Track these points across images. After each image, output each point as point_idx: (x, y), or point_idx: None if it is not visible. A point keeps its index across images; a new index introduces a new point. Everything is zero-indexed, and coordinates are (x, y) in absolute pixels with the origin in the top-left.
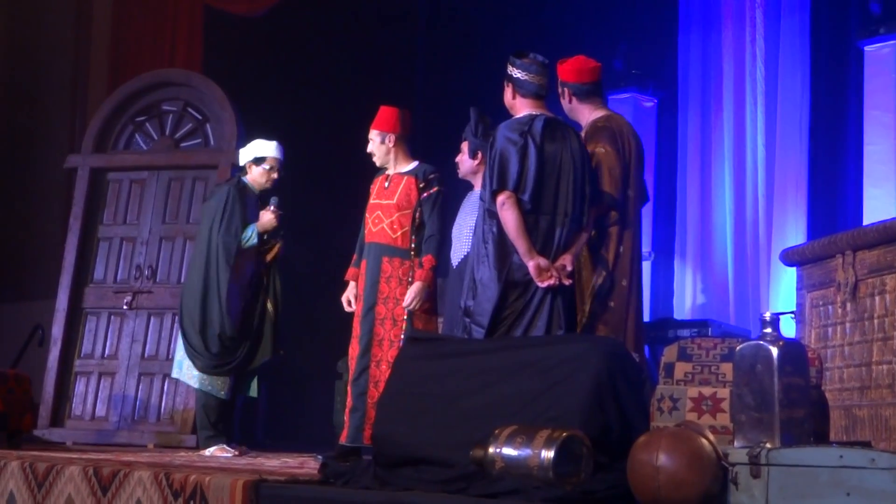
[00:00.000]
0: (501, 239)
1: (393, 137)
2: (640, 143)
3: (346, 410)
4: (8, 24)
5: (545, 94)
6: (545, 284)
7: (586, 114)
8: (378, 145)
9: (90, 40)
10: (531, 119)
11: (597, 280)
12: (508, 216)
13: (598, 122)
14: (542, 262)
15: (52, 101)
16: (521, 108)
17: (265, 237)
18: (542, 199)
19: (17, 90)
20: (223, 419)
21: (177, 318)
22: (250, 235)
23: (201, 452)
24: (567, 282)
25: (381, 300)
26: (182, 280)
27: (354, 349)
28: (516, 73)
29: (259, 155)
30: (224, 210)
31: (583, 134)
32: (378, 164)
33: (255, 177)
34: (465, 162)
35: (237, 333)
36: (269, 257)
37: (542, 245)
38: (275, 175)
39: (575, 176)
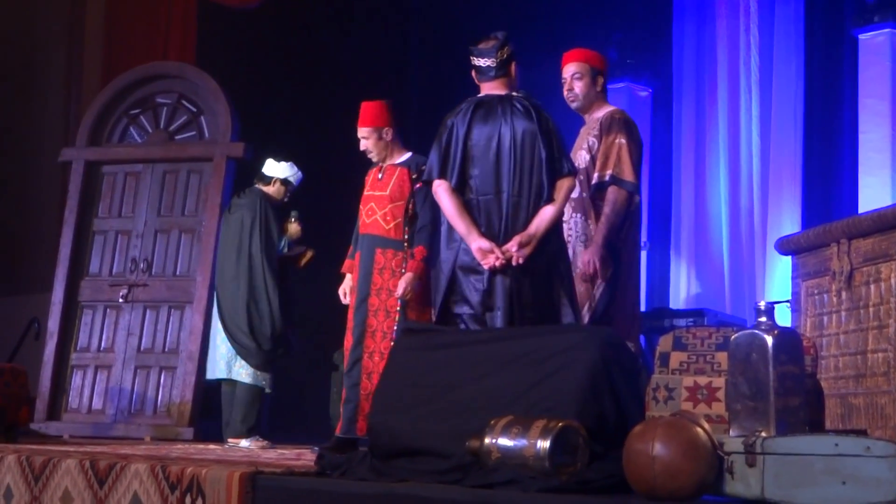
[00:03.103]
0: (450, 225)
1: (390, 131)
2: None
3: (342, 402)
4: (1, 17)
5: (502, 73)
6: (488, 266)
7: (601, 106)
8: (376, 141)
9: (84, 33)
10: (465, 105)
11: (610, 272)
12: (443, 203)
13: (615, 114)
14: (485, 244)
15: (45, 94)
16: (483, 91)
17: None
18: (481, 181)
19: (10, 84)
20: (261, 413)
21: (218, 323)
22: (283, 245)
23: (238, 444)
24: (516, 262)
25: (374, 291)
26: (178, 273)
27: (349, 341)
28: (473, 61)
29: (290, 179)
30: (261, 222)
31: (597, 124)
32: (376, 160)
33: (274, 191)
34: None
35: (282, 332)
36: (302, 263)
37: (488, 226)
38: (286, 199)
39: (515, 151)
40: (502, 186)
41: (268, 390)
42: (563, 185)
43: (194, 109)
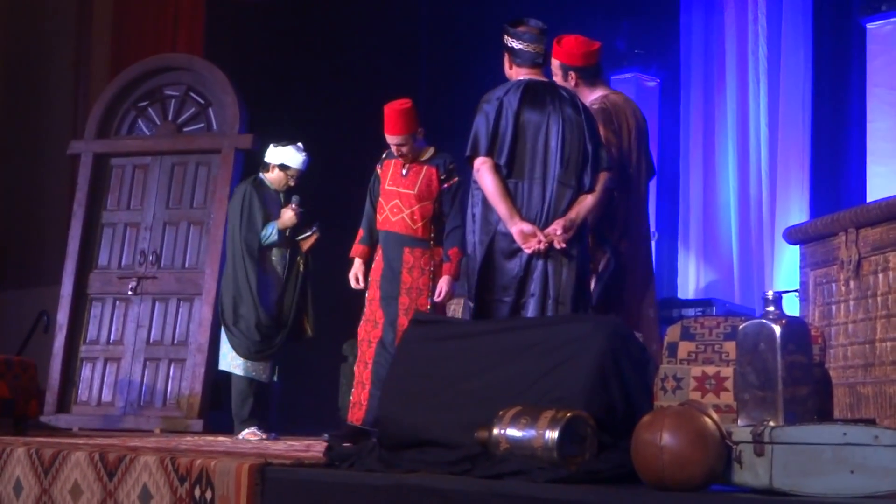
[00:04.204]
0: (485, 208)
1: (422, 131)
2: (642, 117)
3: (362, 392)
4: (9, 9)
5: (543, 61)
6: (530, 250)
7: (587, 95)
8: (412, 145)
9: (92, 25)
10: (513, 85)
11: (602, 263)
12: (486, 181)
13: (593, 105)
14: (527, 227)
15: (54, 86)
16: (518, 77)
17: (287, 233)
18: (525, 164)
19: (19, 76)
20: (258, 404)
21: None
22: (270, 233)
23: (236, 437)
24: (559, 245)
25: (404, 290)
26: (186, 265)
27: (370, 333)
28: (513, 43)
29: (287, 163)
30: (243, 209)
31: None
32: (410, 161)
33: (275, 178)
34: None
35: (273, 321)
36: (305, 247)
37: (528, 210)
38: (292, 183)
39: (564, 139)
40: (549, 172)
41: (263, 378)
42: (602, 177)
43: (202, 101)
